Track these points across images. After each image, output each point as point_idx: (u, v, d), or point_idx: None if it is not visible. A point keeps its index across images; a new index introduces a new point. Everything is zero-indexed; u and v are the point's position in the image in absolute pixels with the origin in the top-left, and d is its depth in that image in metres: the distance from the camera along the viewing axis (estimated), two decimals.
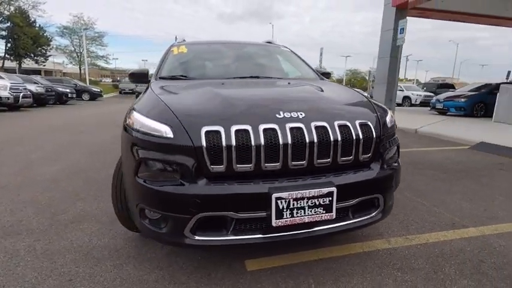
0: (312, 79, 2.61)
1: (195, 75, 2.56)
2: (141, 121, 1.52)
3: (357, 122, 1.55)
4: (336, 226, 1.53)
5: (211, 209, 1.38)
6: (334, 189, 1.41)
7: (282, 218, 1.37)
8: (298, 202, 1.37)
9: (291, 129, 1.42)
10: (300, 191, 1.36)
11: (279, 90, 2.18)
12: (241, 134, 1.38)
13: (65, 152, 4.75)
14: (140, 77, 2.63)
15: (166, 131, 1.42)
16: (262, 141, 1.37)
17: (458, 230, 2.28)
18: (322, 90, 1.95)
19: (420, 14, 12.88)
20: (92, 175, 3.56)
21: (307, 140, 1.42)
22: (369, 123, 1.58)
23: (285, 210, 1.36)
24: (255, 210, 1.39)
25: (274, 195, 1.33)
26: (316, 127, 1.45)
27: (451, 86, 19.26)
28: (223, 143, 1.35)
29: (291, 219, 1.38)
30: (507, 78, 16.79)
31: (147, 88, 2.18)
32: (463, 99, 10.67)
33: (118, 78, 67.00)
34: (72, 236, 2.16)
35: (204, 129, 1.38)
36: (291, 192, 1.35)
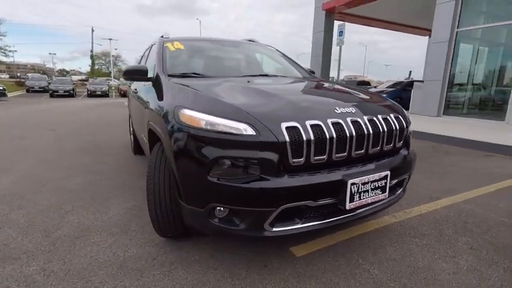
0: (312, 77, 2.82)
1: (209, 73, 2.50)
2: (211, 120, 1.48)
3: (392, 115, 1.81)
4: (382, 204, 1.77)
5: (295, 200, 1.46)
6: (388, 172, 1.64)
7: (353, 201, 1.53)
8: (365, 186, 1.55)
9: (352, 122, 1.59)
10: (366, 176, 1.55)
11: (315, 88, 2.32)
12: (316, 129, 1.49)
13: (10, 162, 3.99)
14: (139, 74, 2.45)
15: (245, 128, 1.43)
16: (334, 134, 1.51)
17: (437, 201, 2.80)
18: (346, 88, 2.18)
19: (342, 18, 14.36)
20: (60, 184, 3.13)
21: (365, 132, 1.61)
22: (400, 116, 1.87)
23: (355, 194, 1.53)
24: (330, 197, 1.52)
25: (349, 181, 1.49)
26: (369, 120, 1.66)
27: (367, 83, 22.04)
28: (304, 137, 1.44)
29: (359, 201, 1.56)
30: (409, 77, 20.12)
31: (166, 86, 2.08)
32: (384, 95, 12.41)
33: (19, 74, 56.93)
34: (89, 251, 1.93)
35: (284, 125, 1.44)
36: (361, 178, 1.53)
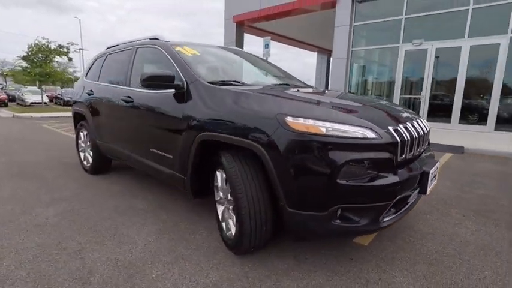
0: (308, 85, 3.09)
1: (246, 81, 2.43)
2: (335, 127, 1.55)
3: (420, 118, 2.27)
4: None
5: (403, 191, 1.68)
6: (439, 162, 2.07)
7: (428, 188, 1.88)
8: (433, 174, 1.93)
9: (418, 125, 1.94)
10: (435, 166, 1.93)
11: (361, 98, 2.52)
12: (407, 131, 1.76)
13: None
14: (165, 81, 2.20)
15: (368, 132, 1.57)
16: (415, 135, 1.82)
17: None
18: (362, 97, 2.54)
19: (251, 31, 15.38)
20: (35, 221, 2.39)
21: (423, 132, 1.98)
22: (423, 118, 2.35)
23: (429, 181, 1.88)
24: (415, 185, 1.83)
25: (430, 171, 1.83)
26: (419, 122, 2.04)
27: None
28: (405, 138, 1.69)
29: (430, 187, 1.92)
30: None
31: (223, 93, 1.99)
32: None
33: None
34: (165, 286, 1.65)
35: (391, 128, 1.66)
36: (433, 167, 1.89)
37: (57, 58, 16.78)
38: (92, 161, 3.55)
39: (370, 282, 1.70)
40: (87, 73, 3.82)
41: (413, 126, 1.88)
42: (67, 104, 19.08)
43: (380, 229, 1.69)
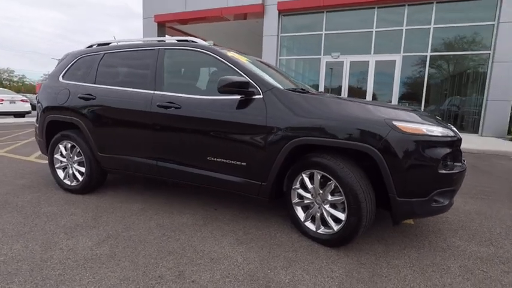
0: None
1: (296, 88, 2.53)
2: (432, 129, 1.93)
3: None
4: None
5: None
6: None
7: None
8: None
9: None
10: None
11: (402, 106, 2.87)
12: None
13: None
14: (243, 87, 2.18)
15: (449, 133, 2.00)
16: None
17: None
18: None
19: (174, 34, 14.80)
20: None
21: None
22: None
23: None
24: None
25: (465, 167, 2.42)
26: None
27: None
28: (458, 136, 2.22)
29: None
30: None
31: (314, 101, 2.13)
32: None
33: None
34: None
35: (453, 128, 2.15)
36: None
37: None
38: (86, 177, 2.97)
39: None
40: (64, 73, 3.15)
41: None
42: None
43: (451, 207, 2.17)
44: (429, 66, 9.52)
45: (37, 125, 3.32)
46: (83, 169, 3.02)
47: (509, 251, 2.17)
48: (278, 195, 2.35)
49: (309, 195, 2.19)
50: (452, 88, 9.76)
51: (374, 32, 9.96)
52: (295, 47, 11.58)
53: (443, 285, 1.74)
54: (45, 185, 3.39)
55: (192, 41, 2.69)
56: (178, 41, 2.76)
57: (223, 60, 2.44)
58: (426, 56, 9.48)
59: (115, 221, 2.49)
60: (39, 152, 5.30)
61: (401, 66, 9.76)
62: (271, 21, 11.19)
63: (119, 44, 2.99)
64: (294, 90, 2.36)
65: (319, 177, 2.11)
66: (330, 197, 2.08)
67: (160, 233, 2.30)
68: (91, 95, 2.86)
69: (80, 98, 2.90)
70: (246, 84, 2.19)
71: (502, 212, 2.93)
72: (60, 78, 3.15)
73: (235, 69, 2.38)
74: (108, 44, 3.16)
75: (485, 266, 1.95)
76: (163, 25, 13.53)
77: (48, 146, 3.20)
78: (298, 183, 2.24)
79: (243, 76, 2.31)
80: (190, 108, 2.42)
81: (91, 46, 3.24)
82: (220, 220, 2.55)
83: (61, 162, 3.15)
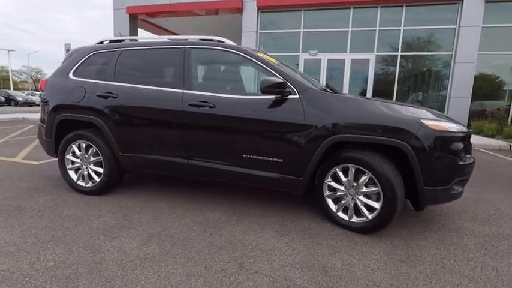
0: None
1: (327, 88, 2.70)
2: (451, 125, 2.20)
3: None
4: None
5: None
6: None
7: None
8: None
9: None
10: None
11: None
12: None
13: None
14: (280, 88, 2.31)
15: (462, 128, 2.29)
16: None
17: None
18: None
19: (147, 27, 14.26)
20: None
21: None
22: None
23: None
24: None
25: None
26: None
27: None
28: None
29: None
30: None
31: (348, 101, 2.32)
32: None
33: None
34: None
35: (464, 124, 2.46)
36: None
37: None
38: (104, 177, 2.89)
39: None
40: (74, 70, 3.01)
41: None
42: None
43: (462, 194, 2.48)
44: (399, 65, 10.25)
45: (42, 125, 3.14)
46: (99, 169, 2.93)
47: (507, 228, 2.54)
48: (310, 189, 2.51)
49: (342, 188, 2.38)
50: (421, 85, 10.60)
51: (350, 32, 10.46)
52: (274, 44, 11.76)
53: (468, 260, 2.03)
54: (51, 187, 3.22)
55: (219, 41, 2.73)
56: (201, 40, 2.79)
57: (256, 61, 2.53)
58: (397, 56, 10.19)
59: (148, 220, 2.49)
60: (25, 152, 4.94)
61: (375, 64, 10.39)
62: (250, 17, 11.24)
63: (138, 41, 2.93)
64: (325, 90, 2.52)
65: (353, 170, 2.30)
66: (364, 189, 2.29)
67: (200, 229, 2.36)
68: (111, 93, 2.78)
69: (98, 96, 2.81)
70: (285, 85, 2.31)
71: (490, 196, 3.37)
72: (71, 75, 3.01)
73: (269, 70, 2.48)
74: (121, 40, 3.07)
75: (494, 242, 2.29)
76: (135, 17, 12.97)
77: (57, 146, 3.05)
78: (329, 176, 2.42)
79: (279, 77, 2.42)
80: (227, 107, 2.48)
81: (101, 42, 3.12)
82: (251, 215, 2.66)
83: (73, 163, 3.03)
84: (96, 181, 2.94)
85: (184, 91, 2.61)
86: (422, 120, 2.17)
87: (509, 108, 9.57)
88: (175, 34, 15.76)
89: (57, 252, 1.97)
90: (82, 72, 2.98)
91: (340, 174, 2.36)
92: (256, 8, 11.02)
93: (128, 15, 12.62)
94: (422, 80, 10.52)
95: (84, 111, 2.85)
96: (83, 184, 2.99)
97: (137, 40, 3.07)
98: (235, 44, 2.69)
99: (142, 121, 2.72)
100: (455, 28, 9.48)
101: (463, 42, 9.31)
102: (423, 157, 2.14)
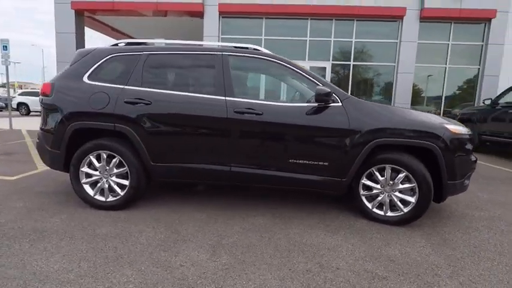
0: None
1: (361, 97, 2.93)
2: (463, 129, 2.62)
3: None
4: None
5: None
6: None
7: None
8: None
9: None
10: None
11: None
12: None
13: None
14: (328, 96, 2.50)
15: (469, 131, 2.76)
16: None
17: None
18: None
19: (91, 24, 13.08)
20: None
21: None
22: None
23: None
24: None
25: None
26: None
27: None
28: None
29: None
30: None
31: (381, 108, 2.61)
32: None
33: None
34: None
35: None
36: None
37: None
38: (130, 189, 2.66)
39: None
40: (90, 74, 2.72)
41: None
42: None
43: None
44: (352, 74, 11.30)
45: (46, 134, 2.76)
46: (123, 181, 2.71)
47: (495, 212, 3.11)
48: (350, 189, 2.73)
49: (378, 186, 2.65)
50: (370, 92, 11.82)
51: (308, 41, 11.17)
52: None
53: (488, 239, 2.46)
54: (55, 203, 2.84)
55: (255, 49, 2.78)
56: (236, 47, 2.80)
57: (297, 70, 2.66)
58: (350, 65, 11.22)
59: (196, 231, 2.41)
60: None
61: (331, 72, 11.27)
62: (211, 22, 11.19)
63: (166, 45, 2.80)
64: (359, 97, 2.78)
65: (389, 170, 2.59)
66: (400, 186, 2.59)
67: (256, 235, 2.38)
68: (143, 99, 2.60)
69: (126, 102, 2.60)
70: (331, 94, 2.49)
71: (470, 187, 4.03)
72: (86, 79, 2.71)
73: (311, 80, 2.64)
74: (140, 43, 2.89)
75: (495, 224, 2.79)
76: (81, 14, 11.80)
77: (68, 158, 2.72)
78: (365, 176, 2.67)
79: (327, 87, 2.59)
80: (274, 114, 2.55)
81: (116, 45, 2.89)
82: (294, 217, 2.76)
83: (89, 176, 2.73)
84: (119, 194, 2.71)
85: (227, 98, 2.60)
86: (445, 125, 2.56)
87: (436, 113, 11.31)
88: (127, 35, 14.76)
89: (127, 274, 1.81)
90: (100, 76, 2.72)
91: (377, 173, 2.62)
92: (218, 12, 11.02)
93: (74, 11, 11.42)
94: (371, 88, 11.75)
95: (109, 119, 2.60)
96: (103, 199, 2.72)
97: (164, 44, 2.91)
98: (272, 53, 2.78)
99: (181, 129, 2.61)
100: (397, 42, 10.87)
101: (403, 55, 10.72)
102: (447, 156, 2.52)
